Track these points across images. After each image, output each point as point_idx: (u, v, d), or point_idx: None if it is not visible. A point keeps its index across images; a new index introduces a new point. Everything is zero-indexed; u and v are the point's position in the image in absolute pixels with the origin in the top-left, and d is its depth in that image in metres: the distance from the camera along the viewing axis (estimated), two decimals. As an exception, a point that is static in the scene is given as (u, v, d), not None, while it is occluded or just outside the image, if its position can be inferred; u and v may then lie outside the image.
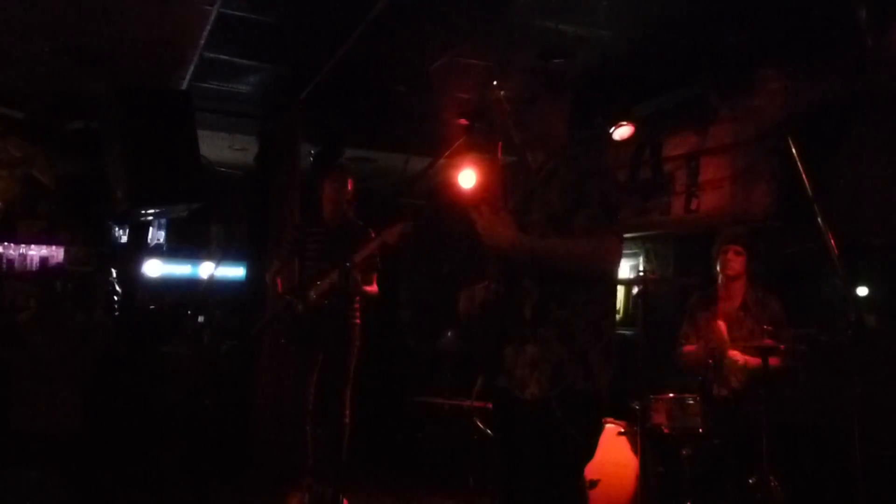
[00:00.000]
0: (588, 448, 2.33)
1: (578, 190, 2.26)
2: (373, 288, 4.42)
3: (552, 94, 2.44)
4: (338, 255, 4.22)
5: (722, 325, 4.04)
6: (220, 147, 6.70)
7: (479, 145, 5.77)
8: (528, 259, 2.29)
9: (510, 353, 2.33)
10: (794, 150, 3.53)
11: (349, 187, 4.50)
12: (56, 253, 6.06)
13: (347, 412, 4.32)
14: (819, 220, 3.32)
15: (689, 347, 4.23)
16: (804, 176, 3.44)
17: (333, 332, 4.25)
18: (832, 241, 3.28)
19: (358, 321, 4.42)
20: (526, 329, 2.29)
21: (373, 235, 4.28)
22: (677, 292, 4.95)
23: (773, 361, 3.83)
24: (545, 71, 2.51)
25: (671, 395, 3.97)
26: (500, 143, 2.57)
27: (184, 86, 5.37)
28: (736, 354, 3.95)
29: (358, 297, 4.38)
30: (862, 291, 4.26)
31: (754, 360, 3.88)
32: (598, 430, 2.38)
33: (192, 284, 6.75)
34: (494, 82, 2.49)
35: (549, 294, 2.27)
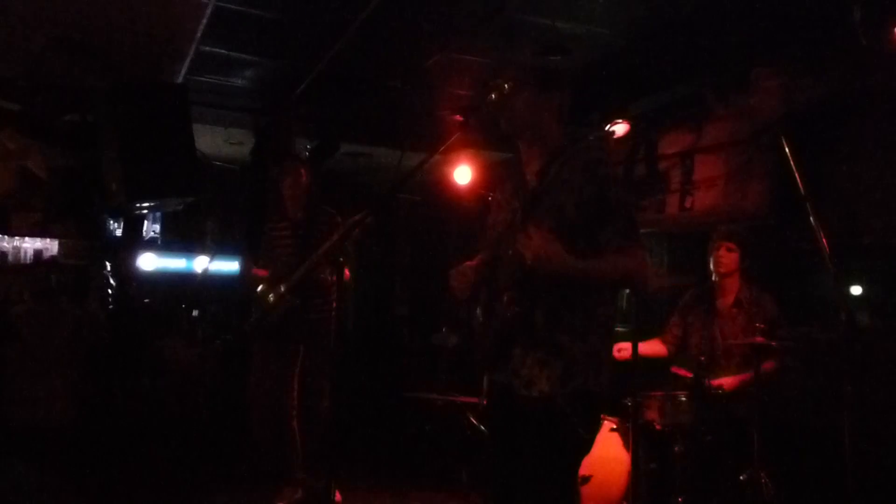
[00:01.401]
0: (587, 443, 2.39)
1: (599, 202, 2.27)
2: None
3: (542, 86, 2.43)
4: (306, 249, 4.24)
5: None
6: (215, 141, 6.69)
7: (474, 141, 5.78)
8: (571, 279, 2.27)
9: (518, 353, 2.34)
10: (787, 149, 3.55)
11: (304, 178, 4.44)
12: (50, 246, 6.05)
13: (327, 404, 4.31)
14: (812, 218, 3.34)
15: (643, 346, 4.25)
16: (798, 175, 3.45)
17: (307, 327, 4.24)
18: (825, 240, 3.30)
19: (333, 313, 4.35)
20: (537, 333, 2.31)
21: (339, 220, 4.27)
22: (671, 289, 4.96)
23: (768, 366, 3.85)
24: (537, 65, 2.50)
25: (663, 391, 3.99)
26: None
27: (180, 79, 5.36)
28: (723, 382, 3.98)
29: (328, 289, 4.31)
30: (855, 290, 4.29)
31: (741, 377, 3.90)
32: (599, 426, 2.44)
33: (186, 278, 6.74)
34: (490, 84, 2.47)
35: (562, 299, 2.30)
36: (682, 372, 4.10)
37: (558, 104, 2.47)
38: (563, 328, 2.29)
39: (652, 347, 4.36)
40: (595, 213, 2.27)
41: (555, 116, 2.47)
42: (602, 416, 4.12)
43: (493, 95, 2.42)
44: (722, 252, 4.16)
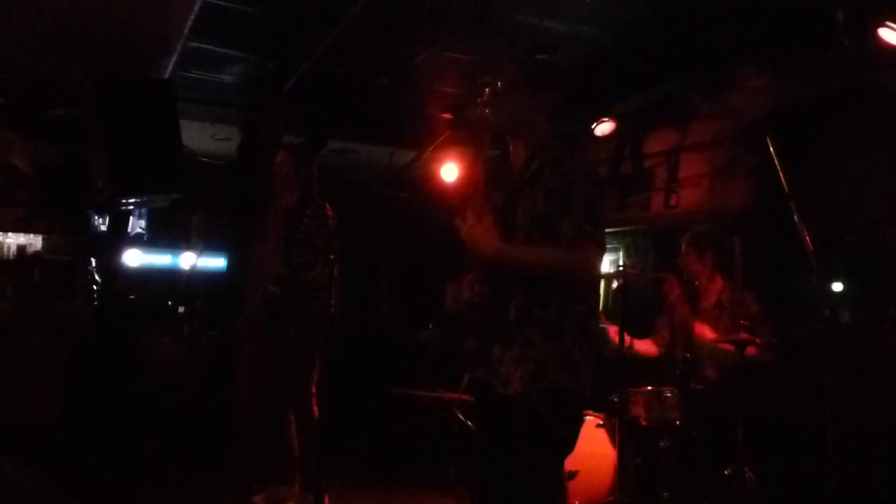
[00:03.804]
0: (568, 442, 2.38)
1: (564, 195, 2.28)
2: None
3: (534, 84, 2.44)
4: (292, 239, 4.22)
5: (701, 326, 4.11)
6: (202, 137, 6.67)
7: (463, 139, 5.80)
8: (509, 265, 2.33)
9: (497, 351, 2.35)
10: (771, 148, 3.60)
11: (294, 165, 4.35)
12: (34, 241, 6.01)
13: (310, 403, 4.24)
14: (795, 216, 3.39)
15: (639, 344, 4.33)
16: (781, 173, 3.50)
17: (300, 326, 4.20)
18: (807, 238, 3.35)
19: (314, 309, 4.19)
20: (511, 329, 2.33)
21: (329, 214, 4.24)
22: (655, 288, 5.00)
23: (750, 350, 3.90)
24: (530, 62, 2.51)
25: (649, 388, 4.02)
26: (486, 138, 2.57)
27: (167, 75, 5.34)
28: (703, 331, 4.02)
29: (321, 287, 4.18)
30: (836, 287, 4.35)
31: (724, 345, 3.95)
32: (580, 424, 2.42)
33: (172, 275, 6.71)
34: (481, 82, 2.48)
35: (534, 295, 2.31)
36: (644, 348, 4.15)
37: (551, 104, 2.48)
38: (536, 325, 2.30)
39: (646, 346, 4.41)
40: (557, 206, 2.29)
41: (546, 116, 2.48)
42: (587, 412, 4.17)
43: (486, 92, 2.44)
44: (685, 257, 4.22)
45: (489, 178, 2.64)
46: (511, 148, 2.54)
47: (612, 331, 4.17)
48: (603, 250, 2.35)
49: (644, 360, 4.42)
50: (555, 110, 2.49)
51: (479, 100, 2.46)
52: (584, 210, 2.26)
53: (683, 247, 4.25)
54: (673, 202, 5.38)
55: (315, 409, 4.19)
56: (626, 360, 4.07)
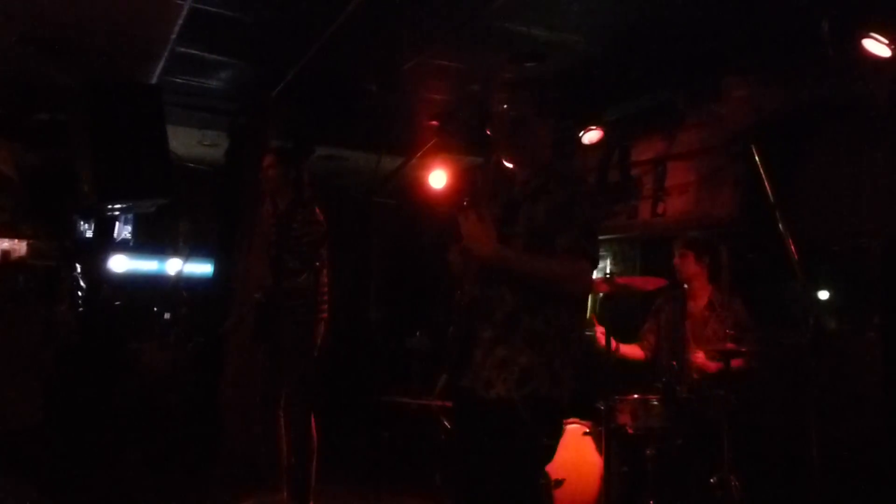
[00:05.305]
0: (549, 449, 2.42)
1: (567, 212, 2.35)
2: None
3: (542, 116, 2.51)
4: (281, 243, 4.23)
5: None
6: (189, 142, 6.64)
7: (450, 146, 5.81)
8: (504, 270, 2.36)
9: (479, 355, 2.39)
10: (757, 158, 3.63)
11: (285, 170, 4.34)
12: (18, 247, 5.95)
13: (302, 409, 4.21)
14: (781, 225, 3.42)
15: (625, 348, 4.36)
16: (767, 182, 3.53)
17: (289, 333, 4.17)
18: (793, 246, 3.38)
19: (303, 316, 4.18)
20: (497, 333, 2.36)
21: (320, 219, 4.22)
22: (642, 294, 5.02)
23: (736, 363, 3.92)
24: (537, 93, 2.54)
25: (635, 395, 4.03)
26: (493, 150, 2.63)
27: (154, 80, 5.31)
28: (698, 357, 4.06)
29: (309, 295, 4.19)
30: (821, 295, 4.38)
31: (714, 365, 3.98)
32: (559, 433, 2.47)
33: (158, 281, 6.68)
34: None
35: (523, 303, 2.35)
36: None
37: (551, 129, 2.56)
38: (521, 331, 2.35)
39: (632, 351, 4.44)
40: (559, 221, 2.35)
41: (548, 140, 2.56)
42: (573, 419, 4.18)
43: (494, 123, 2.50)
44: (679, 258, 4.27)
45: (485, 185, 2.68)
46: (513, 165, 2.57)
47: (600, 331, 4.22)
48: (595, 267, 2.42)
49: (631, 366, 4.44)
50: (556, 135, 2.57)
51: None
52: (584, 227, 2.34)
53: (681, 249, 4.30)
54: (660, 210, 5.41)
55: (307, 416, 4.17)
56: (613, 363, 4.08)
